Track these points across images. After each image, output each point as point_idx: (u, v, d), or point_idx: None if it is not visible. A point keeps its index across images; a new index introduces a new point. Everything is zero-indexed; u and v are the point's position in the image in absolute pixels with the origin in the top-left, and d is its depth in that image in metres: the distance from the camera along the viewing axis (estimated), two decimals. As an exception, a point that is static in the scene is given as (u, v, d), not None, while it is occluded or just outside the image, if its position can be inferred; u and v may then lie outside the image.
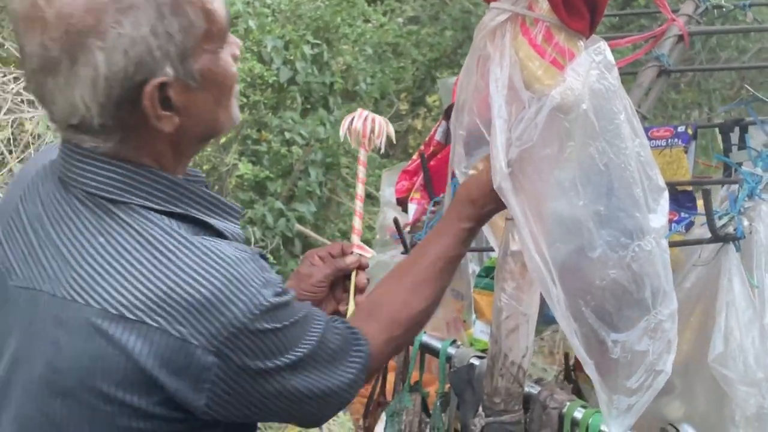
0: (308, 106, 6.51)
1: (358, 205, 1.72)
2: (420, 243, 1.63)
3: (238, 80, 1.35)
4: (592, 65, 1.48)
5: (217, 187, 6.51)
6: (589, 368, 1.53)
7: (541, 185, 1.49)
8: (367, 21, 6.67)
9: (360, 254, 1.67)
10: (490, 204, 1.54)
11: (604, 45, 1.51)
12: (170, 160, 1.30)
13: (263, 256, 1.31)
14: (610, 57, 1.51)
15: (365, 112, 1.71)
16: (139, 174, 1.26)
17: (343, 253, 1.67)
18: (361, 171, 1.72)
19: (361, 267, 1.67)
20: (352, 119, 1.70)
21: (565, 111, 1.46)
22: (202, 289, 1.20)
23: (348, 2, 6.35)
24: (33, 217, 1.29)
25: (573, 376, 2.52)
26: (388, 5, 7.22)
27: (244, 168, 5.97)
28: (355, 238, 1.68)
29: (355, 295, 1.66)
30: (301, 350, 1.30)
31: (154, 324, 1.19)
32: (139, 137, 1.25)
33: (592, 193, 1.48)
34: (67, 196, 1.26)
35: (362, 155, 1.72)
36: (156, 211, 1.26)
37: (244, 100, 6.02)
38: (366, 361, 1.41)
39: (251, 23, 5.81)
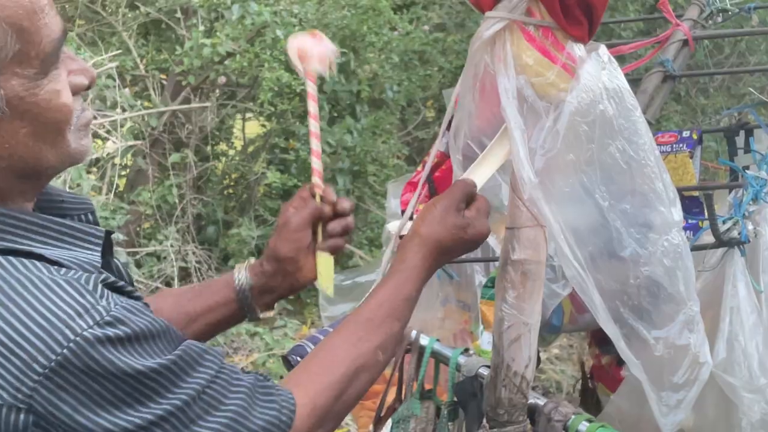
0: (335, 115, 6.53)
1: (314, 143, 1.61)
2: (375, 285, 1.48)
3: (75, 113, 1.11)
4: (602, 65, 1.49)
5: (245, 195, 6.56)
6: (636, 368, 1.53)
7: (568, 191, 1.49)
8: (393, 29, 6.67)
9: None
10: (456, 246, 1.46)
11: (604, 48, 1.52)
12: None
13: (107, 282, 1.07)
14: (613, 59, 1.52)
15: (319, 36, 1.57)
16: None
17: (312, 194, 1.57)
18: (312, 106, 1.59)
19: (335, 212, 1.56)
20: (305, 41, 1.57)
21: (583, 114, 1.47)
22: None
23: (374, 11, 6.36)
24: None
25: (591, 385, 2.50)
26: (414, 13, 7.22)
27: (273, 176, 6.00)
28: (316, 180, 1.59)
29: (324, 239, 1.56)
30: (173, 402, 1.04)
31: None
32: None
33: (616, 193, 1.49)
34: None
35: (311, 88, 1.57)
36: None
37: (272, 109, 6.06)
38: (289, 420, 1.17)
39: (279, 33, 5.84)
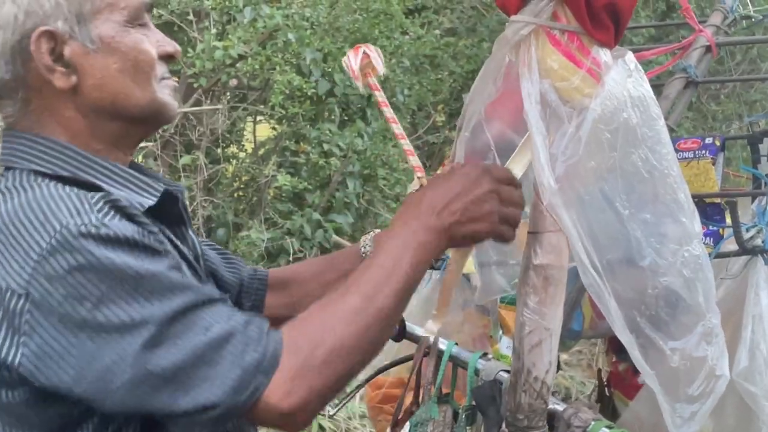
0: (346, 118, 6.53)
1: (406, 144, 1.58)
2: (369, 256, 1.33)
3: (159, 68, 1.31)
4: (628, 73, 1.48)
5: (256, 198, 6.57)
6: (651, 379, 1.51)
7: (588, 198, 1.48)
8: (404, 33, 6.67)
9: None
10: (456, 217, 1.31)
11: (631, 55, 1.51)
12: (84, 134, 1.27)
13: (119, 205, 1.17)
14: (639, 66, 1.51)
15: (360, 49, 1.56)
16: (34, 141, 1.24)
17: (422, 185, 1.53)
18: (387, 112, 1.58)
19: None
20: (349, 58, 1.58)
21: (606, 121, 1.46)
22: None
23: (386, 15, 6.36)
24: None
25: (607, 393, 2.49)
26: (425, 17, 7.22)
27: (283, 179, 6.00)
28: (420, 175, 1.57)
29: None
30: (148, 308, 1.09)
31: None
32: (41, 99, 1.25)
33: (637, 202, 1.47)
34: None
35: (380, 96, 1.58)
36: (35, 172, 1.21)
37: (283, 112, 6.07)
38: (267, 371, 1.12)
39: (290, 36, 5.85)
